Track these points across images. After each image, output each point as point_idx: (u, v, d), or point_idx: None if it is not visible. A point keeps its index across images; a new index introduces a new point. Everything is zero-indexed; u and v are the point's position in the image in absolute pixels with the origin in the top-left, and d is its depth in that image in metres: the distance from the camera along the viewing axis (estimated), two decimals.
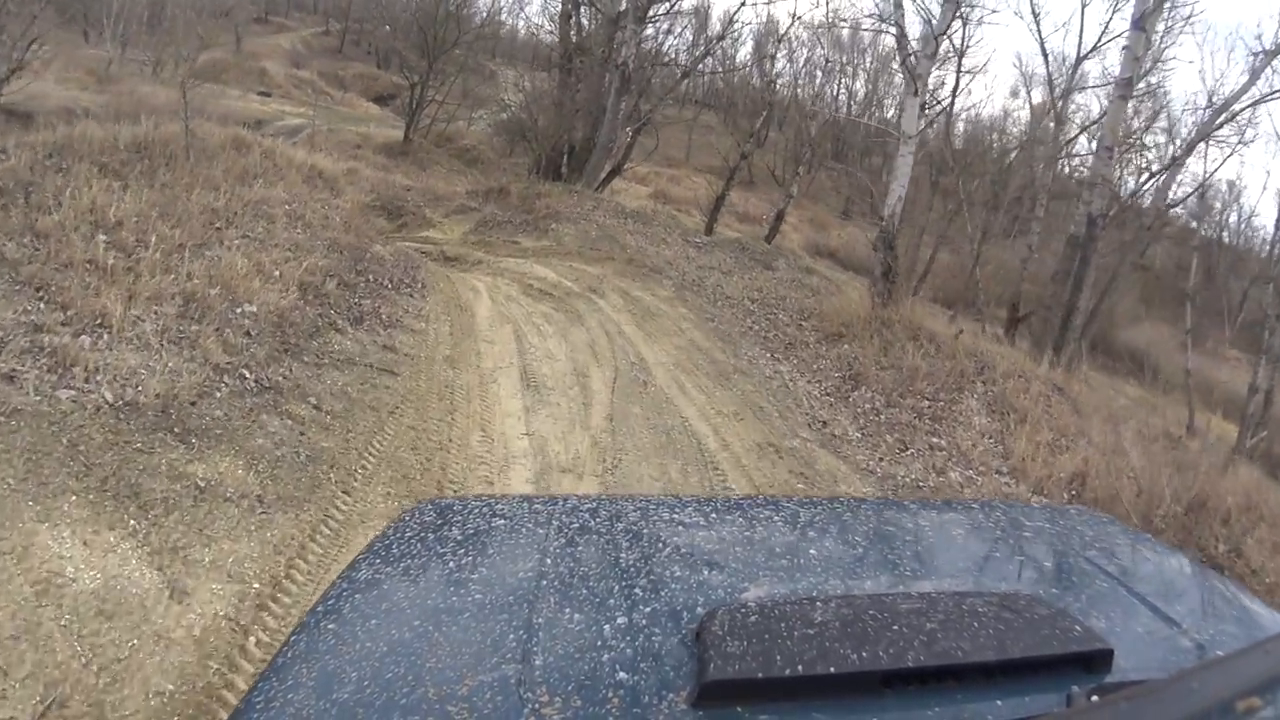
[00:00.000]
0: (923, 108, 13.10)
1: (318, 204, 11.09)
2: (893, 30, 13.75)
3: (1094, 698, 0.98)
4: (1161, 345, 27.90)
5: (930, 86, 13.24)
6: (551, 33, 21.34)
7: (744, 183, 38.28)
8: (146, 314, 6.40)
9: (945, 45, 13.74)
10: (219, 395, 5.91)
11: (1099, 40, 23.10)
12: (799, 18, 23.03)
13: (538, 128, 19.69)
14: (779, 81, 26.66)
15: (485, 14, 34.88)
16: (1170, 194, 21.87)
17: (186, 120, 10.87)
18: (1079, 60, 23.97)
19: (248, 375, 6.29)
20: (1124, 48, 14.70)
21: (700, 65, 22.65)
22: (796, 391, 9.35)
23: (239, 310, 7.02)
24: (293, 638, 1.23)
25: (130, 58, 38.61)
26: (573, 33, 19.75)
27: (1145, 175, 23.20)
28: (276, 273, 8.00)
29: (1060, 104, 24.08)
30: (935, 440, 8.80)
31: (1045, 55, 39.10)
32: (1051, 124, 24.95)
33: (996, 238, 26.08)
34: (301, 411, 6.20)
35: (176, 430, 5.34)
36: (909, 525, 1.76)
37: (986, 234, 24.47)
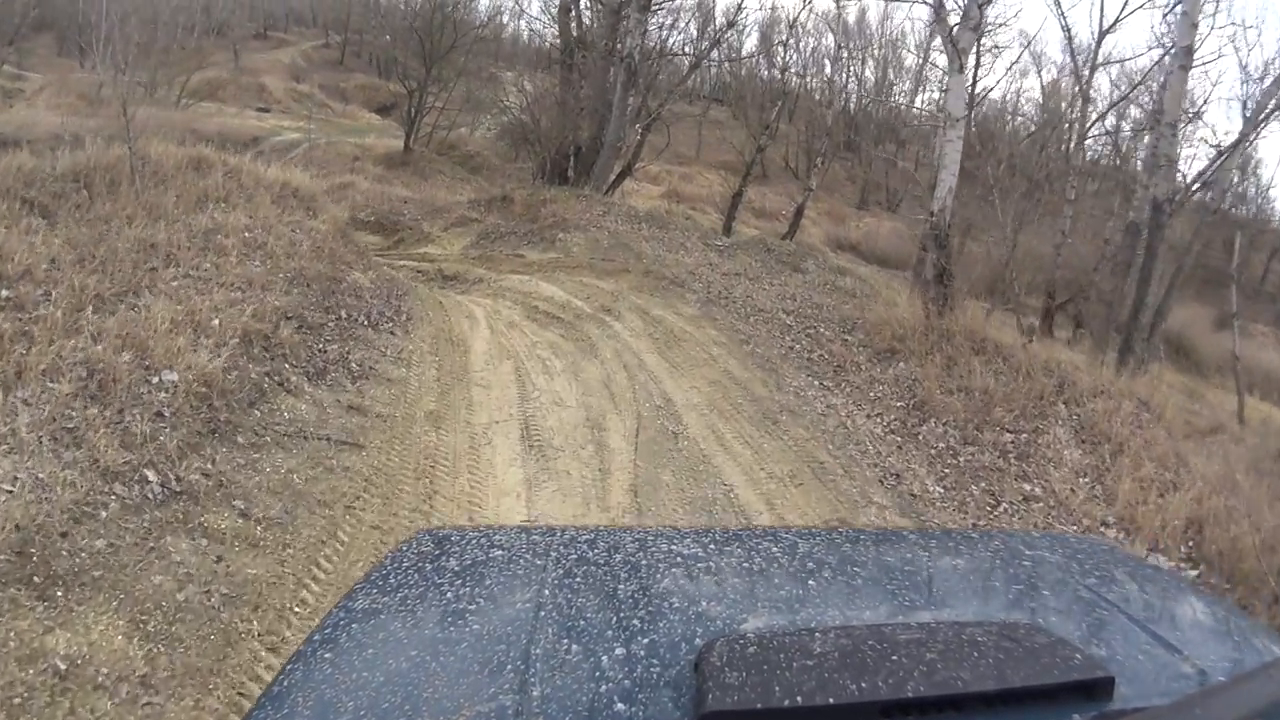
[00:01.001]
0: (971, 89, 11.37)
1: (286, 228, 9.43)
2: (929, 1, 12.05)
3: None
4: (1195, 326, 25.88)
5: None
6: (551, 27, 19.58)
7: (757, 177, 36.51)
8: (34, 397, 4.78)
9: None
10: (104, 515, 4.25)
11: (1121, 12, 21.07)
12: (809, 2, 20.58)
13: (540, 130, 17.91)
14: (790, 71, 24.72)
15: (484, 16, 33.13)
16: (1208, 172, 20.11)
17: (130, 143, 9.24)
18: (1102, 34, 22.10)
19: (151, 477, 4.63)
20: (1182, 13, 12.87)
21: (709, 57, 20.80)
22: (857, 432, 7.65)
23: (154, 380, 5.36)
24: (288, 667, 1.19)
25: (125, 80, 37.30)
26: (573, 26, 17.98)
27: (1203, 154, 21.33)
28: (215, 322, 6.34)
29: (1086, 81, 22.22)
30: (1027, 487, 7.15)
31: (1067, 30, 36.78)
32: (1077, 102, 23.21)
33: (1025, 223, 24.28)
34: (222, 524, 4.55)
35: (35, 580, 3.71)
36: (908, 555, 1.70)
37: (1022, 221, 22.68)
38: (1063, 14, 29.41)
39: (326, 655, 1.20)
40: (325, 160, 26.28)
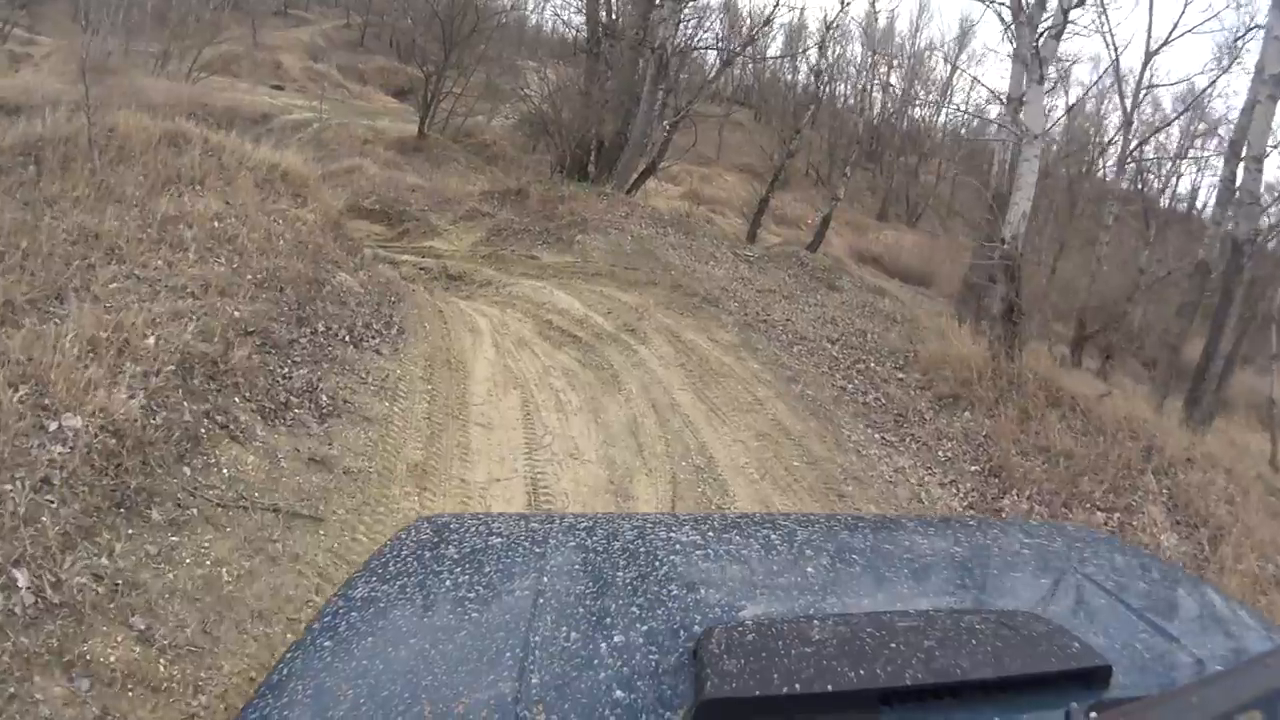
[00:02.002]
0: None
1: (266, 218, 8.01)
2: (1008, 6, 10.61)
3: (1093, 714, 0.94)
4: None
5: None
6: (579, 13, 18.10)
7: (777, 182, 35.25)
8: None
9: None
10: None
11: (1172, 33, 19.61)
12: (847, 3, 19.08)
13: (561, 121, 16.40)
14: (824, 74, 23.24)
15: (508, 2, 31.57)
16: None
17: (89, 111, 7.84)
18: (1150, 55, 20.65)
19: (20, 581, 3.18)
20: (1274, 38, 11.38)
21: (743, 52, 19.29)
22: (934, 507, 6.24)
23: (50, 429, 3.92)
24: (288, 655, 1.18)
25: (136, 49, 36.14)
26: (602, 13, 16.49)
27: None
28: (149, 340, 4.89)
29: (1132, 103, 20.77)
30: None
31: (1115, 49, 35.29)
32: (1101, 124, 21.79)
33: (1051, 248, 22.76)
34: (112, 654, 3.13)
35: None
36: (906, 543, 1.68)
37: (1062, 246, 21.26)
38: (1110, 32, 27.65)
39: (326, 644, 1.18)
40: (335, 142, 24.89)
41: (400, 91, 41.30)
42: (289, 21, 53.62)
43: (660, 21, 14.60)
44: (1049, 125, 15.39)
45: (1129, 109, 20.98)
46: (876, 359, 9.32)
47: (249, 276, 6.62)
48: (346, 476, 4.92)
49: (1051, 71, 10.80)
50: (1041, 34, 9.70)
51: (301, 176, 10.22)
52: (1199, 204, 35.57)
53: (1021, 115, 10.00)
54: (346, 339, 6.74)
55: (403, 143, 25.24)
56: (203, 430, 4.60)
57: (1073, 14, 9.93)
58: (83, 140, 7.69)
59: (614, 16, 16.38)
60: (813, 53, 22.06)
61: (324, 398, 5.70)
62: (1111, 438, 7.81)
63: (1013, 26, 10.45)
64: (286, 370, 5.79)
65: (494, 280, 11.06)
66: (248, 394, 5.27)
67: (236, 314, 5.91)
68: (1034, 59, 9.59)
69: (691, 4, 16.67)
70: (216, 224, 7.31)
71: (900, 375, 8.91)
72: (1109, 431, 7.94)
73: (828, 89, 28.98)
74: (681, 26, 15.81)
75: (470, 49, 25.83)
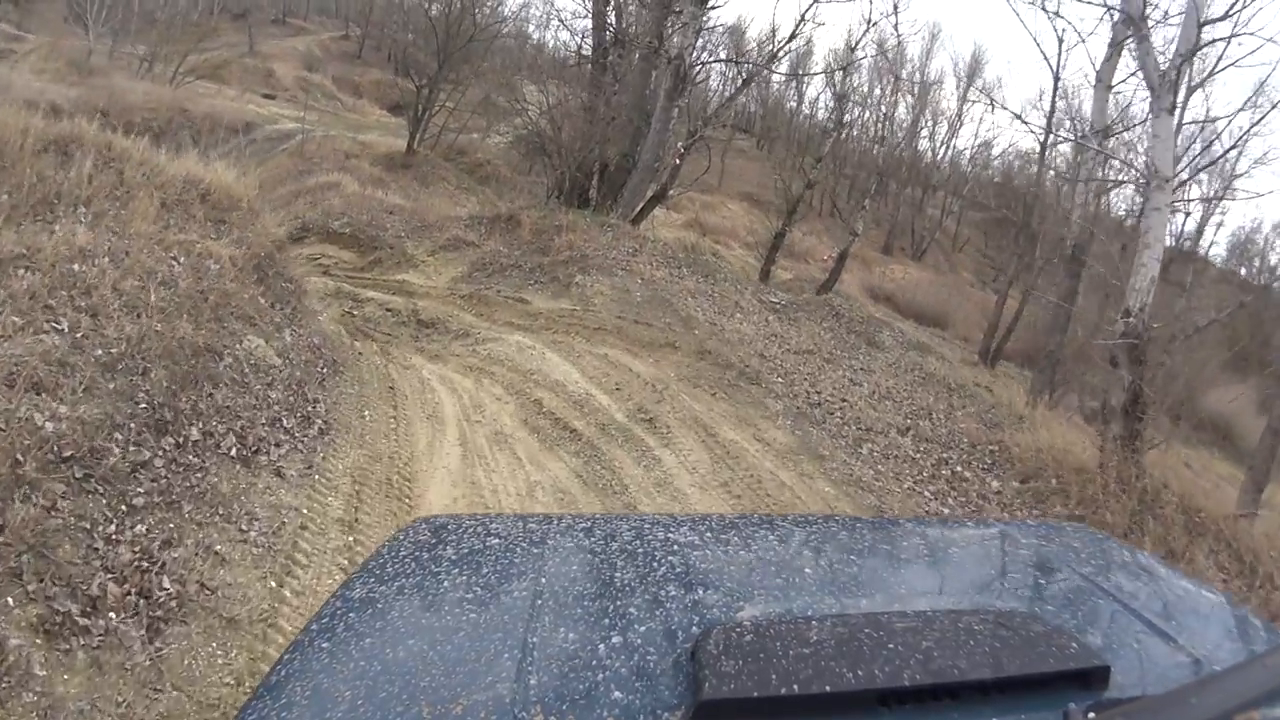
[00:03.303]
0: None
1: (163, 253, 5.69)
2: (1120, 12, 8.37)
3: (1091, 715, 0.92)
4: (1235, 406, 22.15)
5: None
6: (584, 18, 15.76)
7: (778, 210, 33.07)
8: None
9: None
10: None
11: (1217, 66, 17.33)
12: (873, 23, 16.80)
13: (561, 140, 13.97)
14: (847, 99, 20.97)
15: (509, 13, 29.20)
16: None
17: None
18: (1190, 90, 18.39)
19: None
20: None
21: (768, 67, 16.89)
22: None
23: None
24: (286, 656, 1.13)
25: (124, 51, 34.11)
26: (611, 17, 14.09)
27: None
28: None
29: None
30: None
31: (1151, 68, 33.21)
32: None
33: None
34: None
35: None
36: (904, 544, 1.63)
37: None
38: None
39: (324, 644, 1.14)
40: (319, 155, 22.51)
41: (395, 106, 38.98)
42: (287, 30, 51.46)
43: (679, 29, 12.25)
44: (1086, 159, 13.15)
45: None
46: (960, 456, 7.01)
47: (97, 352, 4.28)
48: None
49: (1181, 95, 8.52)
50: (1182, 59, 7.42)
51: (232, 196, 7.89)
52: (1203, 243, 33.59)
53: (1147, 155, 7.73)
54: (234, 452, 4.37)
55: (390, 158, 22.87)
56: None
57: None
58: None
59: (625, 23, 14.02)
60: (836, 75, 19.58)
61: (166, 583, 3.31)
62: (1268, 583, 5.76)
63: (1131, 43, 8.17)
64: (114, 528, 3.40)
65: (473, 330, 8.72)
66: (31, 589, 2.93)
67: (50, 426, 3.57)
68: (1161, 83, 7.34)
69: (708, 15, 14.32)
70: (75, 266, 4.99)
71: (996, 484, 6.61)
72: (1262, 572, 5.88)
73: (851, 115, 26.47)
74: (702, 36, 13.41)
75: (466, 62, 23.55)
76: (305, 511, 4.25)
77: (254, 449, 4.49)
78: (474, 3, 24.02)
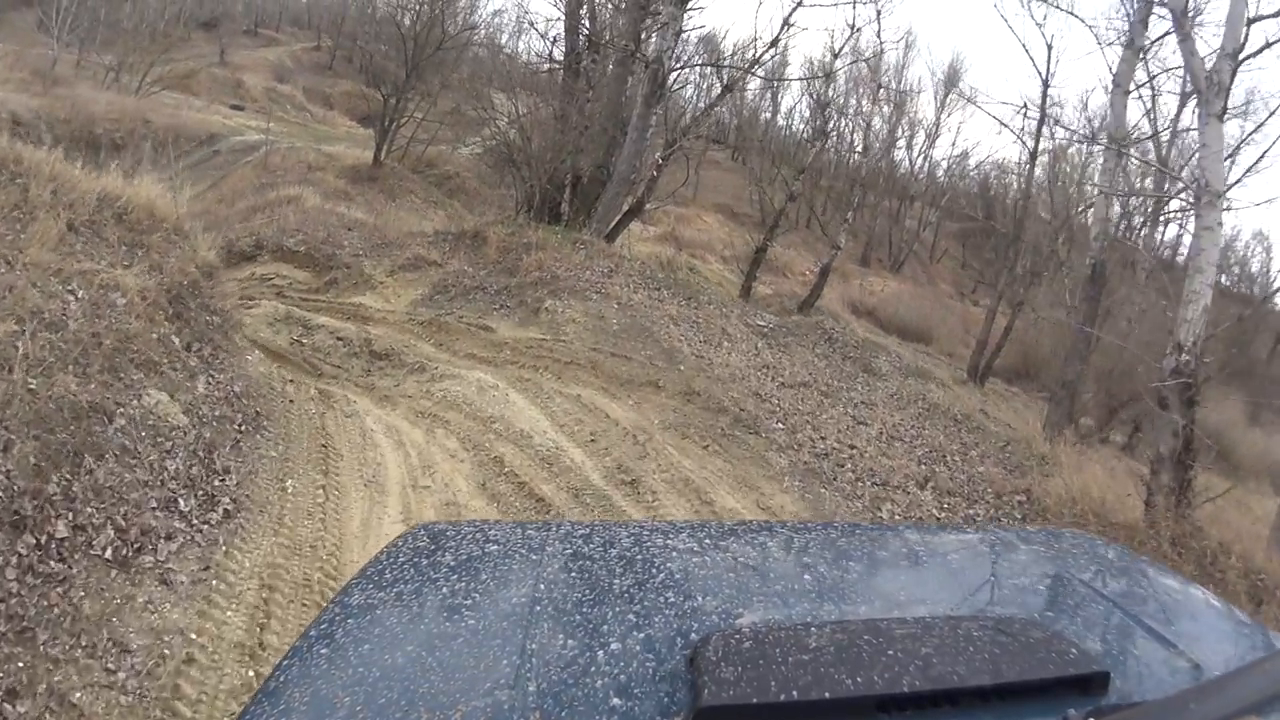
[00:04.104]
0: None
1: (60, 287, 4.60)
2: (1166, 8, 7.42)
3: None
4: (1230, 421, 21.32)
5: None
6: (556, 20, 14.66)
7: (755, 223, 32.11)
8: None
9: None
10: None
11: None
12: (857, 29, 15.78)
13: (531, 150, 12.85)
14: (830, 108, 20.00)
15: (477, 24, 27.95)
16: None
17: None
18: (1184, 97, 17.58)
19: None
20: None
21: (751, 72, 15.80)
22: None
23: None
24: (284, 662, 1.10)
25: (92, 60, 32.86)
26: (585, 21, 12.95)
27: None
28: None
29: (1166, 152, 17.66)
30: None
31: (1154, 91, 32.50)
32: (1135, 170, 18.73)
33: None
34: None
35: None
36: (903, 550, 1.59)
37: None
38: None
39: (322, 651, 1.11)
40: (283, 167, 21.25)
41: (366, 117, 37.76)
42: (259, 41, 50.10)
43: (657, 30, 11.16)
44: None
45: (1164, 155, 17.92)
46: (986, 511, 6.02)
47: None
48: None
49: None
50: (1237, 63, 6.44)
51: (154, 216, 6.77)
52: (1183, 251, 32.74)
53: (1196, 167, 6.76)
54: (110, 552, 3.27)
55: (356, 170, 21.62)
56: None
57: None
58: None
59: (600, 24, 12.89)
60: (817, 83, 18.64)
61: None
62: None
63: (1177, 41, 7.22)
64: None
65: (430, 364, 7.62)
66: None
67: None
68: (1210, 84, 6.35)
69: (689, 14, 13.22)
70: None
71: None
72: None
73: (835, 124, 25.21)
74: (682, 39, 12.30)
75: (436, 72, 22.40)
76: (194, 636, 3.17)
77: (136, 546, 3.40)
78: (444, 11, 22.91)
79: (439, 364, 7.64)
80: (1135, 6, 9.11)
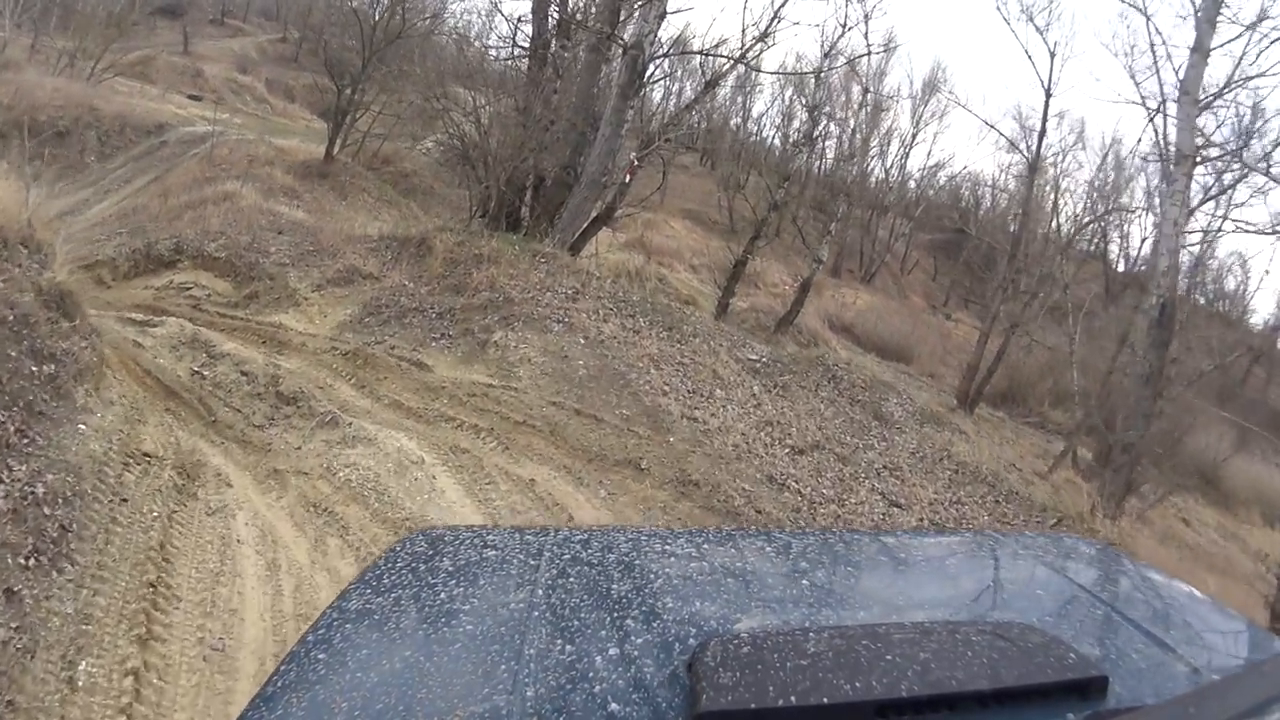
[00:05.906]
0: None
1: None
2: None
3: None
4: (1213, 450, 19.99)
5: None
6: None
7: (724, 230, 30.32)
8: None
9: None
10: None
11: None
12: (849, 28, 14.01)
13: (489, 148, 10.84)
14: (818, 110, 18.17)
15: (439, 12, 25.77)
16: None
17: None
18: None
19: None
20: None
21: (740, 63, 13.84)
22: None
23: None
24: (282, 667, 1.06)
25: (46, 45, 30.50)
26: (555, 3, 10.92)
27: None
28: None
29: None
30: None
31: (1154, 107, 31.08)
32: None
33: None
34: None
35: None
36: (902, 555, 1.55)
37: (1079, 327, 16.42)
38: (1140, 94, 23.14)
39: (320, 656, 1.07)
40: (228, 161, 19.00)
41: (327, 111, 35.76)
42: (225, 31, 47.49)
43: (639, 8, 9.22)
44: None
45: (1170, 170, 16.39)
46: None
47: None
48: None
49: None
50: None
51: None
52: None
53: None
54: None
55: (307, 166, 19.35)
56: None
57: None
58: None
59: (571, 7, 10.88)
60: (810, 85, 16.91)
61: None
62: None
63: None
64: None
65: (343, 418, 5.65)
66: None
67: None
68: None
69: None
70: None
71: None
72: None
73: (821, 129, 23.18)
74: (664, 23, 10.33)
75: (396, 60, 20.29)
76: None
77: None
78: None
79: (355, 416, 5.69)
80: (1201, 3, 7.34)
